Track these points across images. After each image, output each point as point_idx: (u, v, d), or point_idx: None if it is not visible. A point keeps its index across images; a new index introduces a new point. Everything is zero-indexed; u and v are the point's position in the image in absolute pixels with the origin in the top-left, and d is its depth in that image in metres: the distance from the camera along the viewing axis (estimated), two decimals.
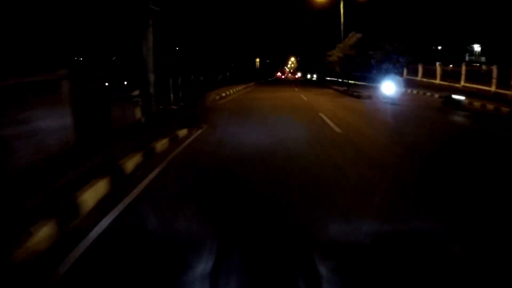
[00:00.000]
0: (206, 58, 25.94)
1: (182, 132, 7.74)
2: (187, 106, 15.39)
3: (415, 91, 21.21)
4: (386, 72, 34.29)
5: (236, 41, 45.28)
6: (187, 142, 6.98)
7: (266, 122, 9.53)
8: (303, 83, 39.09)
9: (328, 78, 41.70)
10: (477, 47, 44.25)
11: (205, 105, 15.39)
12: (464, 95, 13.94)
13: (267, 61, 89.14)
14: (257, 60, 74.91)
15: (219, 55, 34.58)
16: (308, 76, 64.85)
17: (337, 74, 37.00)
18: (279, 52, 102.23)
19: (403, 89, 18.71)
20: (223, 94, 18.95)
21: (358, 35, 21.38)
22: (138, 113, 9.17)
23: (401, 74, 34.56)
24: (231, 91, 21.58)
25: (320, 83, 35.06)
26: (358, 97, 16.98)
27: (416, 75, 30.87)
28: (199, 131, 8.33)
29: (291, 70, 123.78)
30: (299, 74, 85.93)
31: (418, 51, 43.58)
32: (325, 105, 13.89)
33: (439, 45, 44.42)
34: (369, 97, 16.74)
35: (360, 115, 10.74)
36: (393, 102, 13.80)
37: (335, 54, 23.60)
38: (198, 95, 18.52)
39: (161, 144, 6.36)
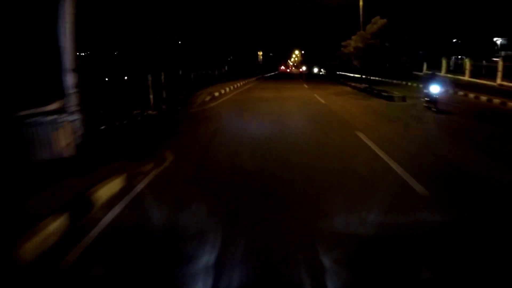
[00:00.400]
0: (199, 50, 22.11)
1: (108, 188, 3.97)
2: (171, 110, 11.76)
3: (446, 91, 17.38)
4: (403, 66, 30.36)
5: (236, 32, 41.26)
6: (96, 230, 3.16)
7: (272, 152, 5.72)
8: (311, 78, 35.05)
9: (340, 73, 37.69)
10: (496, 40, 40.28)
11: (191, 109, 11.65)
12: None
13: (270, 54, 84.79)
14: (260, 53, 70.67)
15: (216, 47, 30.80)
16: (315, 70, 60.40)
17: (352, 68, 32.90)
18: (283, 45, 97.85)
19: (449, 90, 14.88)
20: (216, 94, 15.18)
21: (383, 21, 17.40)
22: (61, 139, 5.42)
23: (420, 69, 30.65)
24: (228, 89, 17.80)
25: (332, 79, 30.97)
26: (390, 98, 13.08)
27: (438, 70, 26.96)
28: (151, 175, 4.60)
29: (295, 64, 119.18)
30: (304, 68, 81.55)
31: (437, 44, 39.55)
32: (354, 112, 10.05)
33: (458, 38, 40.21)
34: (403, 98, 12.90)
35: (425, 136, 6.86)
36: (438, 107, 9.98)
37: (352, 45, 19.65)
38: (186, 95, 14.77)
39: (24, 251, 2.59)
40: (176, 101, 13.10)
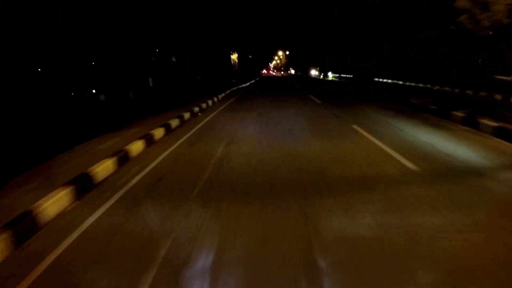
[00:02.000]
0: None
1: None
2: None
3: None
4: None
5: (193, 26, 26.21)
6: None
7: None
8: (330, 93, 20.08)
9: (384, 81, 23.09)
10: None
11: None
12: None
13: (250, 56, 69.72)
14: (234, 56, 55.24)
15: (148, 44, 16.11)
16: (317, 74, 44.53)
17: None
18: (265, 45, 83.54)
19: None
20: None
21: None
22: None
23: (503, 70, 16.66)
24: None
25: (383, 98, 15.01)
26: None
27: None
28: None
29: (279, 67, 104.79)
30: (292, 71, 67.18)
31: None
32: None
33: None
34: None
35: None
36: None
37: None
38: None
39: None
40: None
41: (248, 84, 31.90)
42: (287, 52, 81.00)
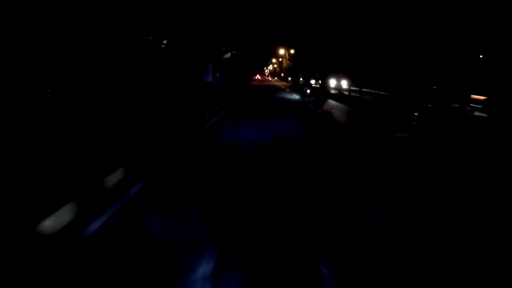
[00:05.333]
0: None
1: None
2: None
3: None
4: None
5: None
6: None
7: None
8: None
9: None
10: None
11: None
12: None
13: (233, 52, 45.50)
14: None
15: None
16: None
17: None
18: (265, 41, 59.92)
19: None
20: None
21: None
22: None
23: None
24: None
25: None
26: None
27: None
28: None
29: (278, 72, 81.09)
30: (312, 82, 44.21)
31: None
32: None
33: None
34: None
35: None
36: None
37: None
38: None
39: None
40: None
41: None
42: (292, 51, 56.61)
